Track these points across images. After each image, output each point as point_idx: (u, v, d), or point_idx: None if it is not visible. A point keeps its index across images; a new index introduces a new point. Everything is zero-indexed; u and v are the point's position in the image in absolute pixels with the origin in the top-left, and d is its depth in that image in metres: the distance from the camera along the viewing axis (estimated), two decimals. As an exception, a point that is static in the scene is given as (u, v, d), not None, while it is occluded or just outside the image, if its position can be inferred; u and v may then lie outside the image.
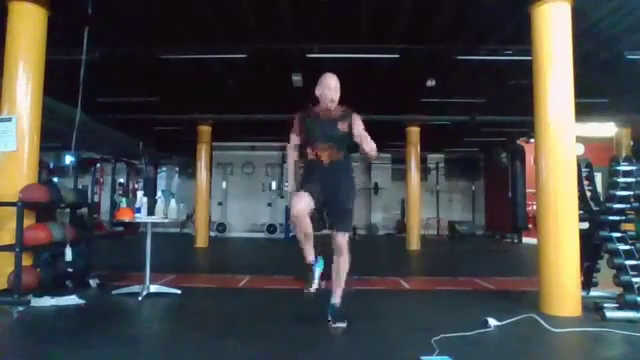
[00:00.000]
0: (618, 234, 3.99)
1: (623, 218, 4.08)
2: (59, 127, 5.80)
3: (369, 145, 3.15)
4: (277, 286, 5.00)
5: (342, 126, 3.22)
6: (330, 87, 3.24)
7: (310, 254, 3.24)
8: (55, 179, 10.37)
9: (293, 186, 3.34)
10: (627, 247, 3.89)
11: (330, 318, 3.28)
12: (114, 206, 11.28)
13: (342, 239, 3.24)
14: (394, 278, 5.59)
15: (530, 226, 10.95)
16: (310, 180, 3.24)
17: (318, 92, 3.27)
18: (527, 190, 11.15)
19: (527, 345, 3.01)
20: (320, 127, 3.25)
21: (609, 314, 3.57)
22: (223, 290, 4.86)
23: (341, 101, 3.33)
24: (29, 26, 4.26)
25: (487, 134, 11.46)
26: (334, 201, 3.22)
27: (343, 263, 3.33)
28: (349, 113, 3.28)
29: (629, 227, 4.17)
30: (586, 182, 4.42)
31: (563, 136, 3.94)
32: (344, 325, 3.22)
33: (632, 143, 10.18)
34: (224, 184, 13.28)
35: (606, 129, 10.51)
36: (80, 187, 10.33)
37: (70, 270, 4.34)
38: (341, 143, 3.24)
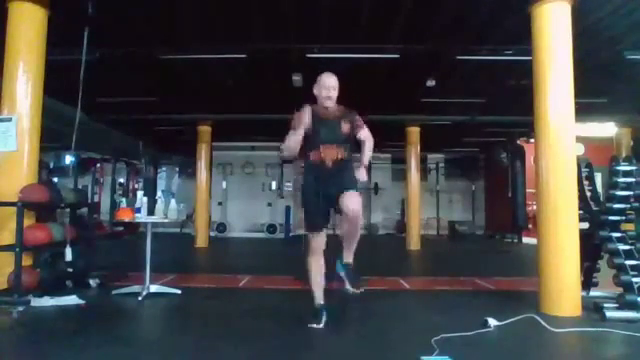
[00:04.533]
0: (618, 234, 3.99)
1: (623, 218, 4.07)
2: (59, 127, 5.81)
3: (370, 148, 3.26)
4: (277, 286, 5.00)
5: (345, 126, 3.19)
6: (327, 85, 3.21)
7: (320, 296, 3.27)
8: (55, 179, 10.37)
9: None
10: (627, 247, 3.89)
11: (346, 279, 3.17)
12: (114, 206, 11.27)
13: (352, 199, 2.99)
14: (394, 278, 5.59)
15: (530, 226, 10.95)
16: (313, 182, 3.18)
17: (316, 91, 3.26)
18: (527, 190, 11.15)
19: (527, 345, 3.01)
20: (323, 127, 3.18)
21: (609, 314, 3.57)
22: (223, 290, 4.86)
23: (341, 101, 3.33)
24: (29, 26, 4.26)
25: (487, 134, 11.47)
26: (339, 188, 3.06)
27: (356, 230, 3.11)
28: (351, 113, 3.26)
29: (629, 227, 4.17)
30: (586, 182, 4.42)
31: (563, 136, 3.94)
32: (362, 290, 3.20)
33: (632, 143, 10.18)
34: (224, 184, 13.28)
35: (606, 129, 10.51)
36: (80, 187, 10.32)
37: (70, 270, 4.34)
38: (344, 143, 3.20)
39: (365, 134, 3.29)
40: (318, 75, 3.34)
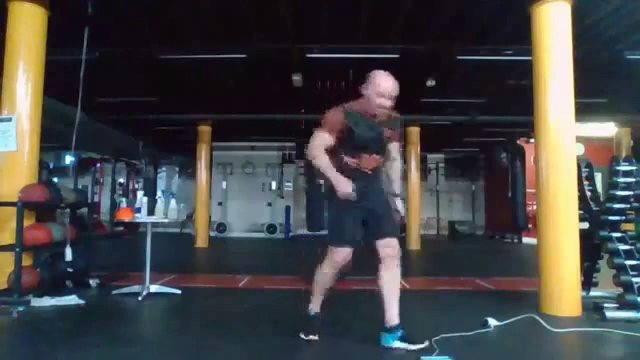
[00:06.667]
0: (618, 234, 3.99)
1: (623, 218, 4.07)
2: (59, 127, 5.81)
3: (401, 171, 2.98)
4: (277, 286, 5.00)
5: (388, 133, 2.86)
6: (387, 93, 2.78)
7: (317, 304, 2.95)
8: (55, 179, 10.37)
9: (346, 182, 2.68)
10: (627, 247, 3.89)
11: (405, 344, 2.73)
12: (114, 206, 11.28)
13: (395, 243, 2.81)
14: (394, 278, 5.57)
15: (530, 226, 10.95)
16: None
17: (369, 92, 2.80)
18: (527, 190, 11.15)
19: (527, 345, 3.01)
20: (369, 132, 2.77)
21: (609, 314, 3.57)
22: (223, 290, 4.86)
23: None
24: (29, 26, 4.25)
25: (487, 134, 11.46)
26: (378, 207, 2.82)
27: (397, 275, 2.85)
28: (395, 119, 2.91)
29: (629, 227, 4.17)
30: (586, 182, 4.42)
31: (563, 136, 3.93)
32: (425, 344, 2.72)
33: (632, 143, 10.18)
34: (224, 184, 13.29)
35: (606, 129, 10.51)
36: (80, 187, 10.33)
37: (70, 270, 4.34)
38: (384, 152, 2.90)
39: (396, 150, 2.95)
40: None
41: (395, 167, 3.01)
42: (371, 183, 2.82)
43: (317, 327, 2.93)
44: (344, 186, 2.66)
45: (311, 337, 2.89)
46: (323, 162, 2.71)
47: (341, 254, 2.77)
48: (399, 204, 2.96)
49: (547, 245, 3.91)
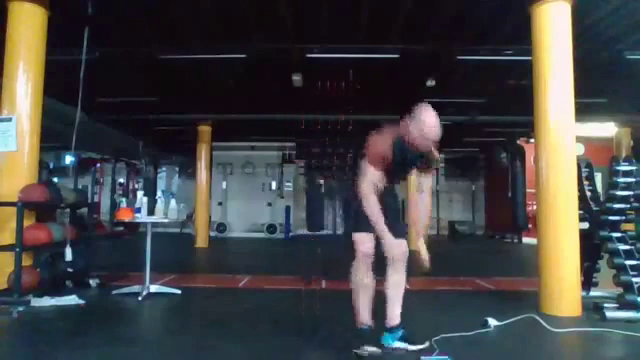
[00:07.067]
0: (618, 234, 3.99)
1: (623, 218, 4.08)
2: (59, 127, 5.81)
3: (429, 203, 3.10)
4: (277, 286, 5.00)
5: (419, 162, 2.87)
6: (431, 136, 2.65)
7: (365, 316, 2.78)
8: (55, 179, 10.37)
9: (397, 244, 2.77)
10: (627, 247, 3.89)
11: (405, 344, 2.76)
12: (114, 206, 11.28)
13: (404, 245, 2.84)
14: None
15: (530, 226, 10.95)
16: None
17: (413, 129, 2.66)
18: (527, 190, 11.15)
19: (527, 345, 3.01)
20: (405, 164, 2.82)
21: (609, 314, 3.57)
22: (223, 290, 4.86)
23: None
24: (29, 26, 4.25)
25: (487, 134, 11.45)
26: (390, 211, 2.83)
27: (403, 277, 2.86)
28: (434, 158, 2.88)
29: (629, 227, 4.17)
30: (586, 182, 4.42)
31: (563, 136, 3.94)
32: (426, 345, 2.76)
33: (632, 143, 10.18)
34: (224, 184, 13.28)
35: (606, 129, 10.51)
36: (80, 187, 10.33)
37: (70, 270, 4.34)
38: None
39: (427, 184, 3.13)
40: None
41: (423, 202, 3.11)
42: (386, 191, 2.87)
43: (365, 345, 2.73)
44: (395, 248, 2.75)
45: (370, 349, 2.68)
46: (373, 208, 2.68)
47: (363, 242, 2.77)
48: (423, 250, 2.98)
49: (547, 245, 3.91)
